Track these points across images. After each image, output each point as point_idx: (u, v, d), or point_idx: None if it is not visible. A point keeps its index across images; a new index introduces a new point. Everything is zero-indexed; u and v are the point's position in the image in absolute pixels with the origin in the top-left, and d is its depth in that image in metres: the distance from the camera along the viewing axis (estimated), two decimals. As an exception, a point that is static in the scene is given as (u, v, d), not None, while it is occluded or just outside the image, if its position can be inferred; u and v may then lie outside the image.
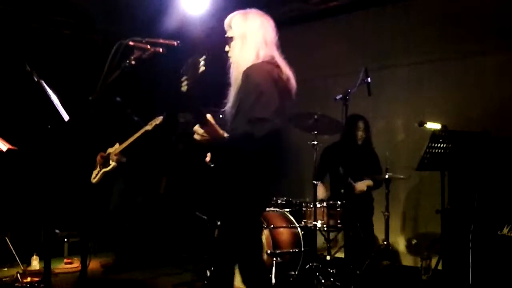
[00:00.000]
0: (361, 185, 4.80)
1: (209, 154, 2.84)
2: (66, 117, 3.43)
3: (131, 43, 2.60)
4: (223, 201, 2.79)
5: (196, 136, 2.66)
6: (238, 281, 4.21)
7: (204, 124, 2.56)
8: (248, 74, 2.66)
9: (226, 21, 2.86)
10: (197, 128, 2.64)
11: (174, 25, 5.56)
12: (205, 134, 2.61)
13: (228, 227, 2.77)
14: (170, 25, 5.54)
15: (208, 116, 2.56)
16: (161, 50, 2.62)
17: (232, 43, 2.81)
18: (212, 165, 2.81)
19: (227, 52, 2.84)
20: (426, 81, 5.38)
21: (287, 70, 2.78)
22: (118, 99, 5.15)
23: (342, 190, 4.53)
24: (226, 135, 2.62)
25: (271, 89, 2.61)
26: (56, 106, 3.48)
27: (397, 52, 5.59)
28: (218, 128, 2.60)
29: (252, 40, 2.76)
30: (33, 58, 4.21)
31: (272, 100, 2.58)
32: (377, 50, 5.66)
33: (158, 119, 4.81)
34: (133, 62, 2.58)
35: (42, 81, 3.56)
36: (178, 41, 2.67)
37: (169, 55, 2.68)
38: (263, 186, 2.71)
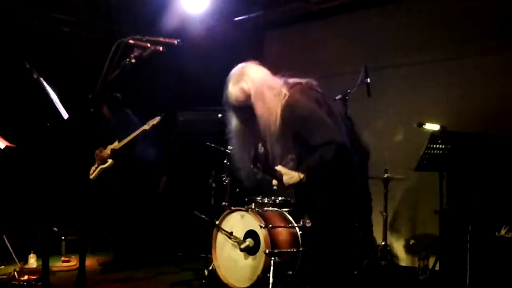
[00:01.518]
0: None
1: (274, 181, 2.95)
2: (65, 115, 3.42)
3: (131, 41, 2.59)
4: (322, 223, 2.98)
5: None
6: (237, 280, 4.23)
7: (279, 179, 2.79)
8: (292, 108, 2.79)
9: (233, 96, 2.86)
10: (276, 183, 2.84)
11: (174, 24, 5.55)
12: (288, 182, 2.80)
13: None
14: (171, 24, 5.54)
15: (278, 167, 2.80)
16: (161, 48, 2.62)
17: (254, 105, 2.83)
18: (275, 188, 2.95)
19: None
20: (426, 81, 5.37)
21: (310, 82, 2.94)
22: (118, 95, 5.18)
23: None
24: (300, 175, 2.79)
25: (319, 113, 2.80)
26: (55, 103, 3.47)
27: (398, 51, 5.58)
28: (290, 173, 2.80)
29: (265, 89, 2.80)
30: (33, 55, 4.20)
31: (325, 122, 2.77)
32: (377, 50, 5.64)
33: (156, 119, 4.86)
34: (133, 61, 2.57)
35: (42, 79, 3.56)
36: (179, 40, 2.67)
37: (169, 54, 2.68)
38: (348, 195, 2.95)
